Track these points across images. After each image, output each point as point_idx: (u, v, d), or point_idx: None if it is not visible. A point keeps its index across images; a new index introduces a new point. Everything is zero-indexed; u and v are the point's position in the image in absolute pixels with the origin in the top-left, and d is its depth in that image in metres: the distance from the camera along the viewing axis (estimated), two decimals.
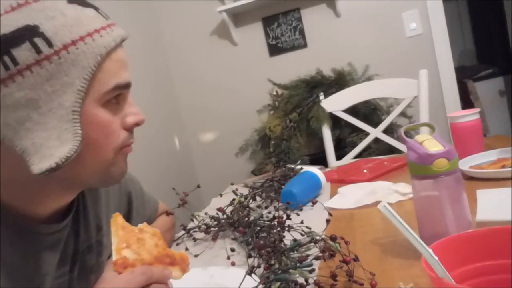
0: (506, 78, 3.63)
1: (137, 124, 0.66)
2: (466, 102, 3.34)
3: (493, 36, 4.02)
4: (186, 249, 1.00)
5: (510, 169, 1.01)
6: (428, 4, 2.37)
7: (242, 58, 2.64)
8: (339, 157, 1.93)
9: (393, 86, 1.84)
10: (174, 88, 2.74)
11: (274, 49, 2.59)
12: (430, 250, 0.45)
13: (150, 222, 0.99)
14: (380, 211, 0.50)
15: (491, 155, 1.16)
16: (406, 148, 0.69)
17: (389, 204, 1.01)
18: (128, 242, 0.58)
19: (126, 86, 0.63)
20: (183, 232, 1.08)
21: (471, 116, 1.20)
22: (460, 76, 2.81)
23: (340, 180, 1.35)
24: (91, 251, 0.76)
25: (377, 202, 1.02)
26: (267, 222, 0.86)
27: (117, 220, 0.60)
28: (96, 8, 0.61)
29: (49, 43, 0.54)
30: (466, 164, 1.12)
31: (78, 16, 0.57)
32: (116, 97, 0.62)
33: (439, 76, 2.40)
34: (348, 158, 1.89)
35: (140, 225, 0.62)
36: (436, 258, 0.44)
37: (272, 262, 0.66)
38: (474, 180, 1.04)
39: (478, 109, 1.23)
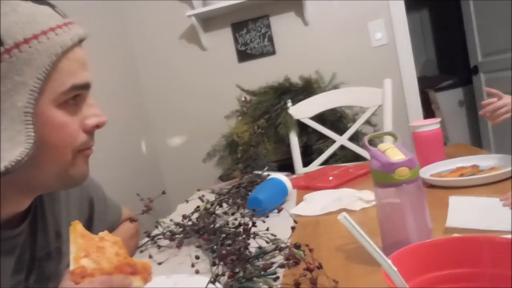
0: (465, 89, 3.78)
1: (98, 126, 0.64)
2: (428, 111, 3.46)
3: (454, 48, 4.19)
4: (150, 256, 0.98)
5: (468, 177, 1.06)
6: (392, 14, 2.44)
7: (210, 63, 2.63)
8: (306, 163, 1.95)
9: (359, 95, 1.88)
10: (142, 92, 2.69)
11: (243, 55, 2.59)
12: (389, 261, 0.45)
13: (113, 228, 0.97)
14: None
15: (451, 164, 1.20)
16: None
17: (353, 211, 1.03)
18: (87, 251, 0.56)
19: (85, 86, 0.61)
20: (147, 239, 1.06)
21: (432, 125, 1.24)
22: (422, 86, 2.90)
23: (306, 186, 1.36)
24: (49, 258, 0.73)
25: (342, 209, 1.04)
26: (233, 229, 0.86)
27: (76, 228, 0.58)
28: (52, 6, 0.59)
29: None
30: (427, 172, 1.16)
31: (32, 14, 0.55)
32: (74, 97, 0.60)
33: (402, 86, 2.47)
34: (315, 165, 1.91)
35: (100, 234, 0.60)
36: (395, 269, 0.45)
37: (237, 270, 0.66)
38: (435, 188, 1.07)
39: (439, 119, 1.28)
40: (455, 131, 3.67)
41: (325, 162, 1.93)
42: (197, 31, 2.53)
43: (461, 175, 1.09)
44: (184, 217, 1.05)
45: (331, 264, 0.73)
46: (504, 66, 2.68)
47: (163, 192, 1.16)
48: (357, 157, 1.90)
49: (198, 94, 2.65)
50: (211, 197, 1.27)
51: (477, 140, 3.40)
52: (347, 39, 2.49)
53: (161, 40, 2.65)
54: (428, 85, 3.69)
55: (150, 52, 2.66)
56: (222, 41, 2.60)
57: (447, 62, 4.41)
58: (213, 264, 0.70)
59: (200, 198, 1.22)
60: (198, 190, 1.53)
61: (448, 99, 3.81)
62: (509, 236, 0.63)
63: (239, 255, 0.68)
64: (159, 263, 0.92)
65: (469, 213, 0.84)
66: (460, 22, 3.17)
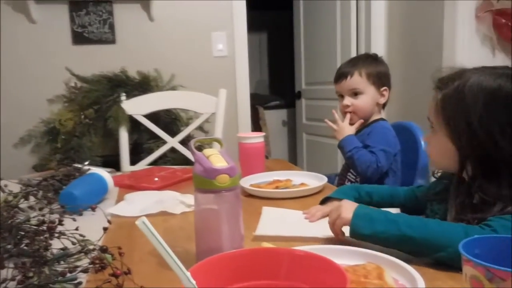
0: (289, 111, 4.21)
1: None
2: (256, 126, 3.73)
3: (284, 72, 4.62)
4: None
5: (281, 190, 1.16)
6: (235, 30, 2.56)
7: (39, 39, 2.33)
8: (134, 162, 1.88)
9: (195, 100, 1.91)
10: None
11: (79, 38, 2.37)
12: (188, 273, 0.44)
13: None
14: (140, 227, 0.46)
15: (269, 176, 1.31)
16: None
17: (174, 214, 1.02)
18: None
19: None
20: None
21: (256, 138, 1.33)
22: (254, 102, 3.12)
23: (130, 186, 1.31)
24: None
25: (163, 212, 1.03)
26: (34, 227, 0.76)
27: None
28: None
29: None
30: (247, 182, 1.23)
31: None
32: None
33: (236, 98, 2.60)
34: (143, 164, 1.86)
35: None
36: (193, 281, 0.43)
37: (31, 274, 0.57)
38: (252, 197, 1.14)
39: (263, 134, 1.38)
40: (277, 147, 4.04)
41: (154, 163, 1.89)
42: None
43: (276, 187, 1.19)
44: None
45: (142, 269, 0.70)
46: (321, 95, 3.07)
47: None
48: (187, 161, 1.92)
49: (19, 70, 2.32)
50: (17, 188, 1.11)
51: (293, 158, 3.79)
52: (190, 44, 2.51)
53: None
54: (258, 102, 3.98)
55: None
56: (56, 17, 2.33)
57: (277, 84, 4.85)
58: (1, 266, 0.60)
59: (1, 188, 1.06)
60: (0, 178, 1.32)
61: (274, 117, 4.19)
62: (308, 246, 0.70)
63: (36, 256, 0.60)
64: None
65: (277, 222, 0.92)
66: (292, 51, 3.51)
